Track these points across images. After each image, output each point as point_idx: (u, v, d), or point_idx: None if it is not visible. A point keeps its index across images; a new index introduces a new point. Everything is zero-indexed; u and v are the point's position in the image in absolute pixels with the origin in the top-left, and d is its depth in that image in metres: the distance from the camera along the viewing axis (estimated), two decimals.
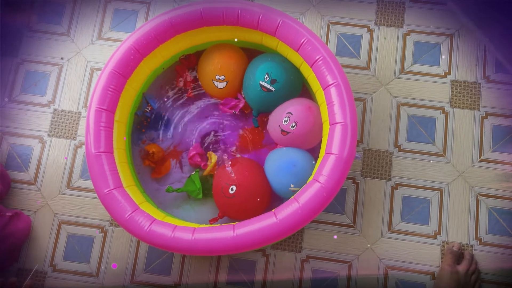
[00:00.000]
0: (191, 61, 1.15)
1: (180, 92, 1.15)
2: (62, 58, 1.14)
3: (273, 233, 0.88)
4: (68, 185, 1.13)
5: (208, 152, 1.10)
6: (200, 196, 1.07)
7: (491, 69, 1.16)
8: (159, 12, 1.22)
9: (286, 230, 0.88)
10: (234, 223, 0.92)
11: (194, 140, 1.13)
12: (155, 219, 0.93)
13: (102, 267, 1.09)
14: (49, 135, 1.16)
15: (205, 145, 1.13)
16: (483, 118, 1.14)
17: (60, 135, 1.16)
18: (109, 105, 0.98)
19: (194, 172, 1.08)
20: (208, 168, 1.08)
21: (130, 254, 1.09)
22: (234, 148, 1.12)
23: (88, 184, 1.13)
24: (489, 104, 1.14)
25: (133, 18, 1.23)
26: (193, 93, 1.15)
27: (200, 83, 1.14)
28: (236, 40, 1.08)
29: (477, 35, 1.18)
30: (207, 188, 1.08)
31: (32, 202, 1.12)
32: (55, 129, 1.17)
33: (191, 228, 0.91)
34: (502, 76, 1.16)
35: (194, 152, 1.10)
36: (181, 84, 1.14)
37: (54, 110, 1.18)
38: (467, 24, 1.19)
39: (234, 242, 0.88)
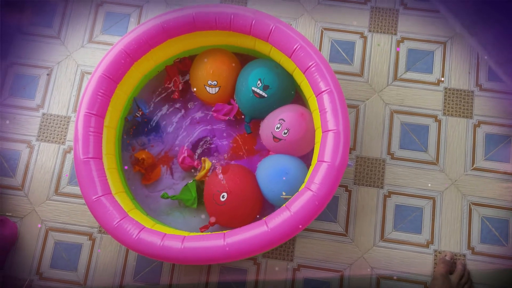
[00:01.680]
0: (185, 64, 1.13)
1: (170, 95, 1.14)
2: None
3: (264, 242, 0.87)
4: (56, 191, 1.11)
5: (202, 158, 1.09)
6: (195, 205, 1.06)
7: (484, 77, 1.16)
8: (151, 16, 1.20)
9: (277, 239, 0.87)
10: (225, 232, 0.90)
11: (184, 145, 1.11)
12: (144, 227, 0.91)
13: (90, 275, 1.06)
14: (37, 140, 1.14)
15: (197, 150, 1.11)
16: (475, 126, 1.13)
17: (48, 140, 1.14)
18: (98, 110, 0.96)
19: (192, 180, 1.06)
20: (201, 174, 1.07)
21: (119, 262, 1.07)
22: (225, 154, 1.11)
23: (77, 190, 1.11)
24: (482, 113, 1.14)
25: (125, 21, 1.22)
26: (180, 95, 1.13)
27: (191, 87, 1.13)
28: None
29: (470, 43, 1.18)
30: (198, 194, 1.07)
31: (19, 208, 1.10)
32: (43, 133, 1.15)
33: (181, 237, 0.90)
34: (494, 84, 1.16)
35: (184, 155, 1.08)
36: (169, 85, 1.13)
37: (43, 114, 1.16)
38: (461, 31, 1.19)
39: (224, 251, 0.86)
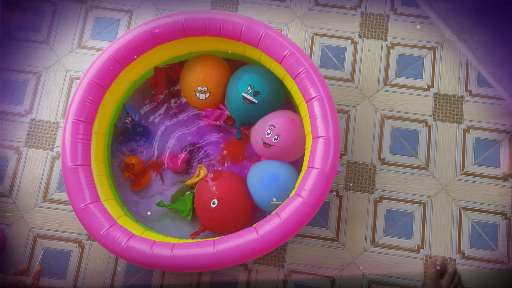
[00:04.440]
0: (175, 70, 1.13)
1: (159, 101, 1.13)
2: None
3: (254, 249, 0.86)
4: (45, 198, 1.10)
5: (199, 165, 1.09)
6: (189, 217, 1.05)
7: (473, 83, 1.17)
8: (141, 21, 1.20)
9: (267, 246, 0.87)
10: (215, 239, 0.90)
11: (165, 153, 1.10)
12: (133, 235, 0.90)
13: (79, 283, 1.05)
14: (25, 146, 1.13)
15: (186, 153, 1.10)
16: (465, 131, 1.14)
17: (37, 146, 1.13)
18: (87, 117, 0.96)
19: (189, 192, 1.06)
20: (193, 180, 1.06)
21: (108, 269, 1.06)
22: (216, 160, 1.10)
23: (66, 196, 1.09)
24: (471, 118, 1.15)
25: (114, 26, 1.21)
26: (166, 99, 1.12)
27: (181, 93, 1.12)
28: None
29: (460, 48, 1.19)
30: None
31: (7, 215, 1.09)
32: (32, 139, 1.13)
33: (170, 244, 0.89)
34: (484, 89, 1.16)
35: (170, 157, 1.08)
36: (154, 87, 1.12)
37: (31, 120, 1.14)
38: (450, 37, 1.20)
39: (214, 258, 0.86)
